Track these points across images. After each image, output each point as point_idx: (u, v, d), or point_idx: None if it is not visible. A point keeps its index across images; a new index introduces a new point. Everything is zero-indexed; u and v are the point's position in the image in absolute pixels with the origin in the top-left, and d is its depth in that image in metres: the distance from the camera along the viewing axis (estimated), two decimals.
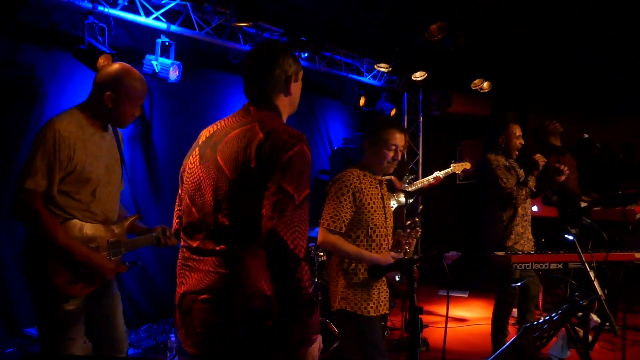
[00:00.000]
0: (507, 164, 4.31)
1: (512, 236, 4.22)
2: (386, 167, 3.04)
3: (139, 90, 2.65)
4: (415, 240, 3.16)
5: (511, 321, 4.54)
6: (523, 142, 4.39)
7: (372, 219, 2.92)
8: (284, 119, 2.02)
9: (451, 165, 5.46)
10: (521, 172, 4.39)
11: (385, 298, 3.00)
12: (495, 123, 4.44)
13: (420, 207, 2.85)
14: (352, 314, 2.89)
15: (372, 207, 2.92)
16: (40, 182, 2.42)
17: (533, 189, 4.22)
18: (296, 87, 2.07)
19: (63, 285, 2.49)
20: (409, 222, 3.18)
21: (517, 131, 4.34)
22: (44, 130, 2.47)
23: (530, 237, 4.36)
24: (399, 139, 2.99)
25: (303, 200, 1.75)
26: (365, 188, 2.93)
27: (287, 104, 2.05)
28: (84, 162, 2.53)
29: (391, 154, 2.99)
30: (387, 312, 3.04)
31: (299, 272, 1.69)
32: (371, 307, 2.91)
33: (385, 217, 3.02)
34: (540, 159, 4.22)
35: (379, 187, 3.05)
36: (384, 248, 2.99)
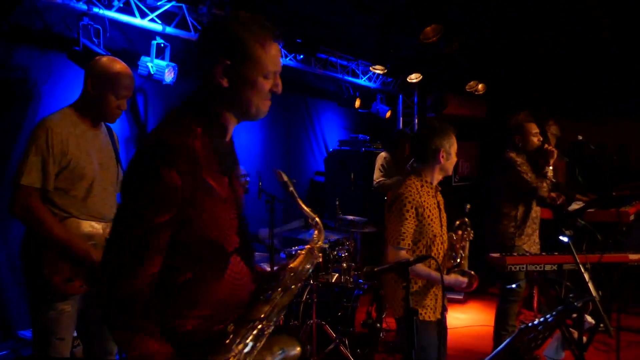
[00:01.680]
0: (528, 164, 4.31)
1: (523, 236, 4.23)
2: (441, 174, 3.08)
3: (120, 78, 2.64)
4: (468, 242, 3.15)
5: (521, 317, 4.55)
6: (542, 139, 4.37)
7: (432, 229, 2.93)
8: None
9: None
10: None
11: (441, 304, 3.01)
12: (510, 123, 4.42)
13: (468, 207, 2.83)
14: (421, 321, 2.90)
15: (431, 219, 2.92)
16: (35, 177, 2.45)
17: (552, 179, 4.21)
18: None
19: (60, 284, 2.51)
20: (457, 223, 3.18)
21: (534, 129, 4.33)
22: (37, 129, 2.50)
23: (537, 240, 4.37)
24: (454, 147, 3.08)
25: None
26: (425, 201, 2.93)
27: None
28: (78, 157, 2.55)
29: (456, 159, 3.07)
30: (442, 316, 3.04)
31: None
32: (426, 313, 2.94)
33: (441, 225, 3.02)
34: (551, 148, 4.23)
35: (435, 196, 3.06)
36: (442, 256, 3.01)
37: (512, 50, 7.00)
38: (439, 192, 3.12)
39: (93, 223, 2.63)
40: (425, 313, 2.94)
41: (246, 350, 1.55)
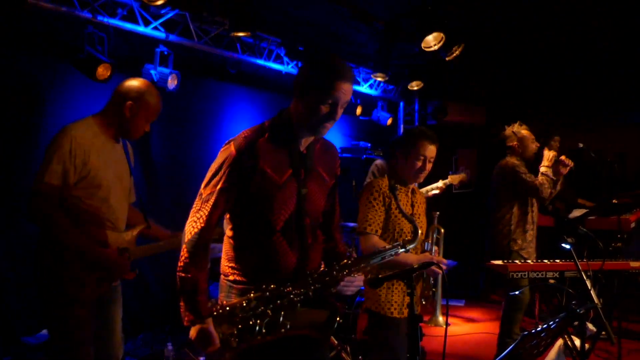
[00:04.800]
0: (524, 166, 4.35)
1: (519, 241, 4.24)
2: (414, 177, 3.09)
3: (156, 105, 2.78)
4: (440, 248, 3.18)
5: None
6: (539, 145, 4.43)
7: (399, 225, 2.99)
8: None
9: (449, 176, 5.47)
10: None
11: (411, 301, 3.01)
12: (507, 131, 4.49)
13: (437, 214, 2.89)
14: (376, 313, 3.00)
15: (400, 213, 2.94)
16: (55, 184, 2.49)
17: (552, 176, 4.23)
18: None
19: (76, 289, 2.54)
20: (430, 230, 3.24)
21: (531, 134, 4.41)
22: (60, 137, 2.55)
23: (534, 246, 4.39)
24: (430, 150, 3.03)
25: (209, 194, 2.04)
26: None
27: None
28: (97, 168, 2.61)
29: (419, 163, 3.03)
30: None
31: (181, 254, 2.03)
32: (395, 309, 2.99)
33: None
34: (549, 151, 4.27)
35: (409, 195, 3.12)
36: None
37: (512, 58, 7.03)
38: (417, 194, 3.19)
39: (107, 231, 2.67)
40: (388, 309, 2.98)
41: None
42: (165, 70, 4.59)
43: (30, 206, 2.50)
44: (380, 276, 2.30)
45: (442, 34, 5.35)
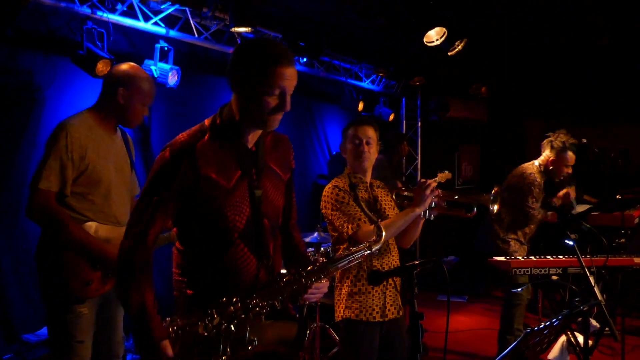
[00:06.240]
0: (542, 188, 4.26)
1: (512, 243, 4.24)
2: (358, 165, 2.96)
3: (149, 88, 2.72)
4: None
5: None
6: (571, 172, 4.31)
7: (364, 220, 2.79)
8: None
9: (438, 175, 5.43)
10: None
11: (393, 301, 2.90)
12: (553, 141, 4.28)
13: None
14: (358, 321, 2.81)
15: (362, 212, 2.79)
16: (53, 181, 2.47)
17: (555, 206, 4.24)
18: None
19: (79, 287, 2.53)
20: None
21: (571, 160, 4.26)
22: (56, 133, 2.52)
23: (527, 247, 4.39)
24: (360, 131, 2.92)
25: (143, 208, 1.84)
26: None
27: None
28: (95, 162, 2.57)
29: (352, 146, 2.93)
30: (398, 315, 2.92)
31: (117, 277, 1.91)
32: (377, 312, 2.84)
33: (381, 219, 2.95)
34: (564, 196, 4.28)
35: (369, 190, 2.99)
36: (383, 250, 2.90)
37: (515, 54, 6.99)
38: (377, 188, 3.05)
39: (110, 227, 2.65)
40: (370, 314, 2.82)
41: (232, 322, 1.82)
42: (166, 66, 4.57)
43: (30, 204, 2.48)
44: (380, 273, 2.27)
45: (444, 29, 5.31)
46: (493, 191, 2.93)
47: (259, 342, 1.84)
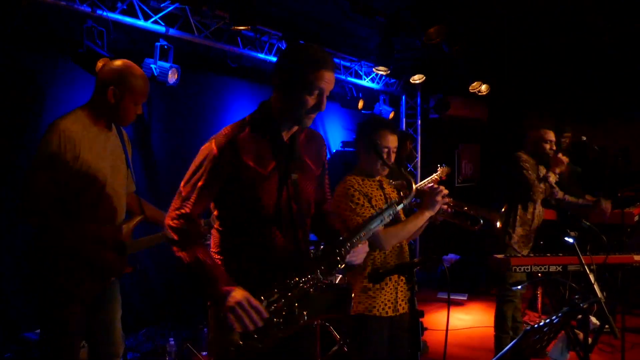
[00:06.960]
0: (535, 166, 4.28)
1: (515, 236, 4.22)
2: (375, 170, 2.97)
3: (141, 85, 2.65)
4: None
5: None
6: (555, 149, 4.33)
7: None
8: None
9: (438, 169, 5.44)
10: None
11: (404, 296, 2.92)
12: (527, 124, 4.42)
13: None
14: (371, 316, 2.84)
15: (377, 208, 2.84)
16: (46, 182, 2.43)
17: (554, 184, 4.20)
18: None
19: (72, 288, 2.51)
20: None
21: (549, 136, 4.29)
22: (49, 132, 2.47)
23: (530, 245, 4.37)
24: (391, 141, 2.90)
25: (189, 191, 2.05)
26: (370, 192, 2.90)
27: None
28: (90, 161, 2.53)
29: (384, 156, 2.90)
30: (404, 312, 2.93)
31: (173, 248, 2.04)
32: (389, 307, 2.87)
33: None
34: (561, 156, 4.22)
35: (380, 189, 3.01)
36: (395, 250, 2.94)
37: (515, 52, 6.99)
38: (388, 185, 3.05)
39: (103, 227, 2.61)
40: (382, 309, 2.86)
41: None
42: (166, 65, 4.56)
43: (22, 206, 2.45)
44: (380, 271, 2.28)
45: (444, 27, 5.31)
46: (502, 209, 2.97)
47: (308, 315, 2.02)
